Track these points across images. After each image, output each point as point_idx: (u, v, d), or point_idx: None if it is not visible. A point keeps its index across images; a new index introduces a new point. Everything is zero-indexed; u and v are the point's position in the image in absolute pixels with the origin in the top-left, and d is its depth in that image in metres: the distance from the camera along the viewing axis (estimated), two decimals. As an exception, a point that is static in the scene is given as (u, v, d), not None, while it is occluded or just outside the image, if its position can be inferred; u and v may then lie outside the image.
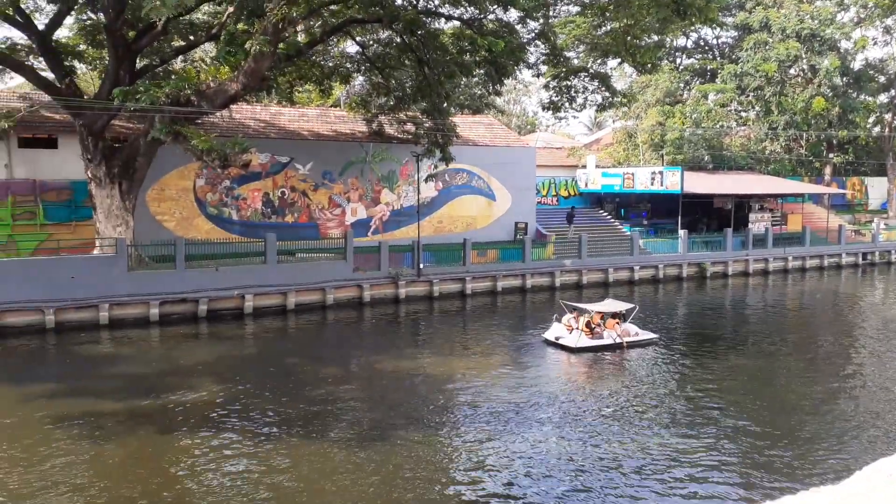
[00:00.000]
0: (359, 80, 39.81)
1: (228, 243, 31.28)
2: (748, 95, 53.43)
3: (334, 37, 32.15)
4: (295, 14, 24.31)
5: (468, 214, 39.85)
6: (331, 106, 43.92)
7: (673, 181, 41.17)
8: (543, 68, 34.42)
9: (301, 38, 30.60)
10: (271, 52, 25.00)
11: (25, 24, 26.73)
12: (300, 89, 40.92)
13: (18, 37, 29.31)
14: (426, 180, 35.82)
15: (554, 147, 55.25)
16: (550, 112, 35.78)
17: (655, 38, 34.38)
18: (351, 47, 36.20)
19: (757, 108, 54.06)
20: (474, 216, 39.99)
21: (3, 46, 28.68)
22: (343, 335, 27.25)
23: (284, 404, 17.52)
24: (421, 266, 32.79)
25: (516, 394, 18.47)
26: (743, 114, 56.86)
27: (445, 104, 32.77)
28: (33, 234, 30.02)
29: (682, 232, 40.66)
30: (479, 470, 13.71)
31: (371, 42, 33.66)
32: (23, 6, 26.18)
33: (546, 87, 35.38)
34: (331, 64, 35.18)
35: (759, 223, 45.74)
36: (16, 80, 38.56)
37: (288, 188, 35.24)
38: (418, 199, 36.35)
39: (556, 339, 23.59)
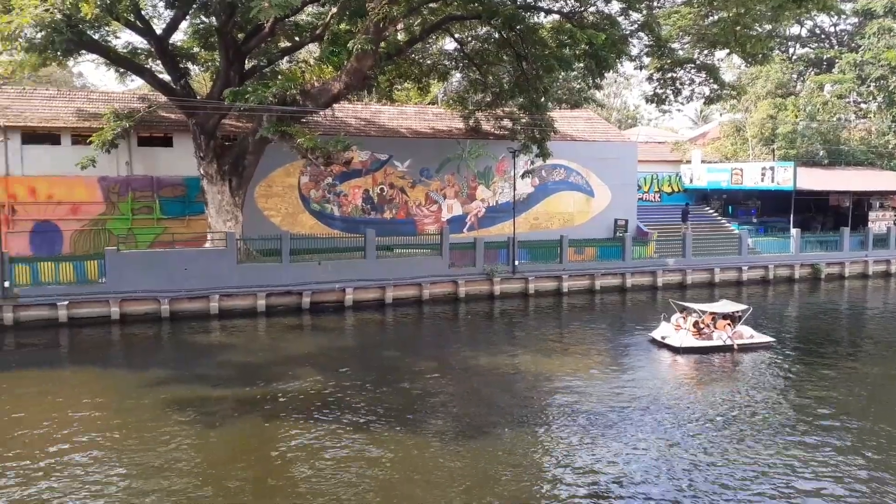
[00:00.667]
0: (456, 76, 39.91)
1: (330, 238, 32.12)
2: (869, 86, 49.83)
3: (433, 34, 32.34)
4: (395, 13, 24.59)
5: (565, 211, 39.22)
6: (428, 103, 44.30)
7: (785, 177, 38.98)
8: (646, 60, 33.31)
9: (401, 36, 30.98)
10: (373, 51, 25.39)
11: (145, 30, 28.35)
12: (399, 87, 41.47)
13: (139, 41, 31.17)
14: (522, 176, 35.49)
15: (656, 141, 53.52)
16: (654, 105, 34.56)
17: (767, 27, 32.60)
18: (449, 44, 36.35)
19: (879, 99, 50.33)
20: (572, 213, 39.31)
21: (125, 51, 30.55)
22: (439, 330, 27.42)
23: (383, 396, 17.78)
24: (516, 263, 32.54)
25: (617, 395, 17.98)
26: (863, 106, 53.16)
27: (543, 99, 32.27)
28: (150, 228, 31.86)
29: (794, 231, 38.46)
30: (576, 472, 13.41)
31: (469, 38, 33.63)
32: (143, 13, 27.74)
33: (649, 79, 34.24)
34: (429, 61, 35.43)
35: (880, 222, 42.67)
36: (136, 83, 41.08)
37: (387, 185, 35.81)
38: (514, 196, 36.07)
39: (662, 338, 22.85)
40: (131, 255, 27.69)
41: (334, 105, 30.00)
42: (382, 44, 26.49)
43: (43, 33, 22.66)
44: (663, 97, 33.72)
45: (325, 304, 29.11)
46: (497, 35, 30.93)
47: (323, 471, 13.32)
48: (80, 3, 21.43)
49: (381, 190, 35.72)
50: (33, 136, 30.67)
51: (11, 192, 29.94)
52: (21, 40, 23.53)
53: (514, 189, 36.05)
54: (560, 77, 34.77)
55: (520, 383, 19.40)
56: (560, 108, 38.35)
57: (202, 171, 29.27)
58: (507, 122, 36.06)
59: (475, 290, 31.73)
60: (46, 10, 21.34)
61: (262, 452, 14.35)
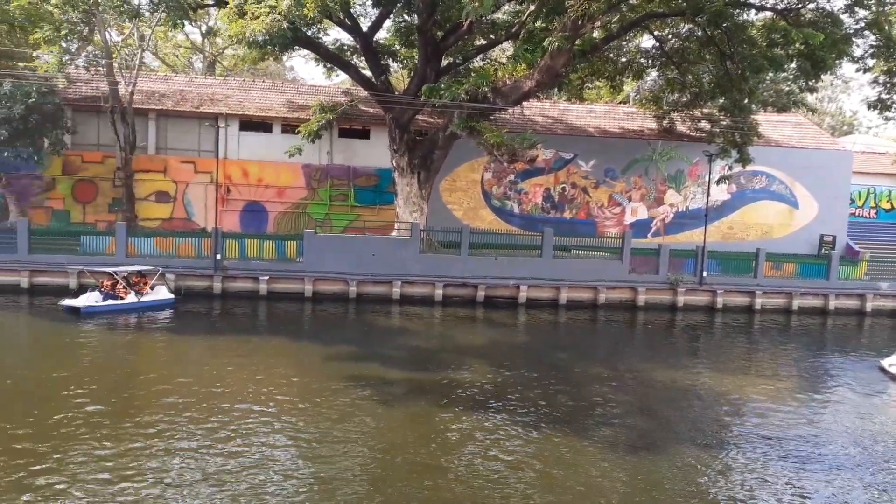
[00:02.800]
0: (652, 75, 38.40)
1: (508, 234, 32.34)
2: None
3: (631, 31, 31.34)
4: (595, 10, 24.09)
5: (764, 222, 36.39)
6: (620, 102, 43.07)
7: None
8: (871, 62, 29.92)
9: (597, 34, 30.32)
10: (568, 48, 25.11)
11: (353, 27, 30.20)
12: (590, 85, 40.71)
13: (346, 39, 33.27)
14: (718, 182, 33.38)
15: (876, 152, 47.94)
16: (876, 111, 31.05)
17: None
18: (647, 42, 35.05)
19: None
20: (771, 224, 36.39)
21: (333, 48, 32.75)
22: (614, 337, 26.61)
23: (551, 397, 17.56)
24: (704, 274, 30.71)
25: (812, 425, 16.36)
26: None
27: (747, 101, 30.15)
28: (345, 215, 34.01)
29: None
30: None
31: (669, 36, 32.17)
32: (352, 11, 29.55)
33: (874, 82, 30.77)
34: (624, 59, 34.39)
35: None
36: (339, 78, 43.94)
37: (569, 184, 35.36)
38: (707, 202, 34.03)
39: (890, 366, 20.63)
40: (327, 238, 29.70)
41: (523, 103, 30.07)
42: (578, 41, 26.09)
43: (267, 35, 24.93)
44: (888, 103, 30.21)
45: (499, 298, 29.35)
46: (701, 32, 29.35)
47: (482, 462, 13.39)
48: (304, 3, 23.33)
49: (563, 189, 35.33)
50: (249, 124, 33.89)
51: (227, 174, 33.32)
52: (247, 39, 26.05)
53: (708, 195, 34.02)
54: (768, 78, 32.35)
55: (697, 401, 18.27)
56: (765, 111, 35.74)
57: (394, 164, 30.68)
58: (704, 124, 34.16)
59: (656, 299, 30.40)
60: (275, 19, 23.48)
61: (429, 437, 14.72)
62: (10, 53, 30.66)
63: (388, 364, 19.72)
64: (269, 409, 15.53)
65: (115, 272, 25.16)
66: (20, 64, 30.93)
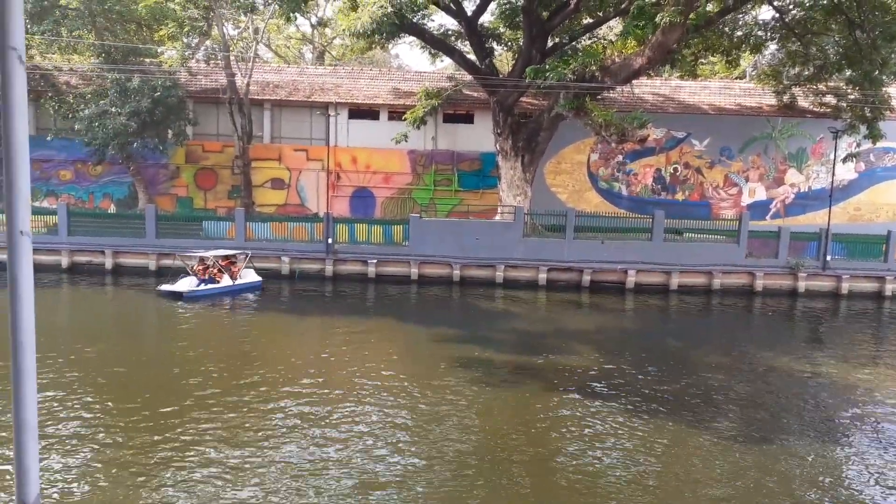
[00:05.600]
0: (771, 48, 36.23)
1: (616, 217, 31.55)
2: None
3: (748, 3, 29.66)
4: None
5: (895, 202, 33.72)
6: (735, 78, 40.94)
7: None
8: None
9: (711, 7, 28.89)
10: (681, 23, 24.10)
11: (457, 12, 30.22)
12: (704, 61, 38.91)
13: (450, 23, 33.37)
14: (844, 160, 31.19)
15: None
16: None
17: None
18: (765, 13, 33.10)
19: None
20: (904, 205, 33.70)
21: (438, 33, 32.93)
22: (729, 324, 25.53)
23: (660, 384, 17.07)
24: (828, 258, 28.85)
25: (950, 424, 15.08)
26: None
27: (878, 73, 27.90)
28: (449, 199, 34.31)
29: None
30: (893, 504, 11.52)
31: (790, 5, 30.21)
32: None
33: None
34: (740, 33, 32.61)
35: None
36: (443, 63, 44.16)
37: (681, 164, 34.07)
38: (832, 182, 31.87)
39: None
40: (431, 222, 30.07)
41: (632, 81, 29.17)
42: (691, 15, 24.98)
43: (375, 25, 25.36)
44: None
45: (606, 283, 28.75)
46: (825, 1, 27.36)
47: (589, 449, 13.21)
48: None
49: (675, 170, 34.09)
50: (357, 112, 34.71)
51: (338, 161, 34.31)
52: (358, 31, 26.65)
53: (833, 174, 31.85)
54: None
55: (821, 393, 17.25)
56: (899, 83, 32.94)
57: (498, 147, 30.58)
58: (829, 99, 31.91)
59: (775, 284, 28.85)
60: (382, 7, 23.92)
61: (533, 420, 14.68)
62: (138, 50, 32.78)
63: (493, 347, 19.78)
64: (378, 382, 15.96)
65: (205, 256, 25.73)
66: (146, 60, 33.00)
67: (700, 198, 34.10)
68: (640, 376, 17.65)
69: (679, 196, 34.12)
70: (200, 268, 25.94)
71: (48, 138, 32.92)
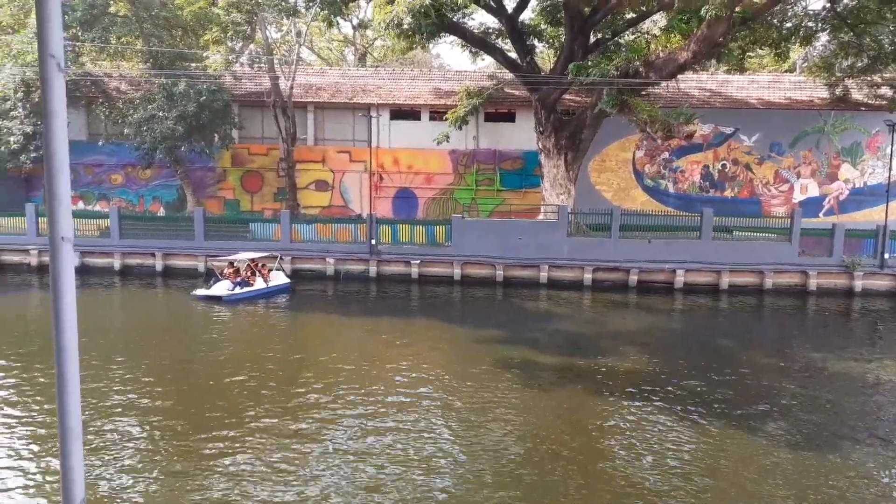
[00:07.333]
0: (822, 40, 35.10)
1: (662, 216, 30.93)
2: None
3: (798, -8, 28.84)
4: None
5: (959, 198, 32.31)
6: (785, 71, 39.80)
7: None
8: None
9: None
10: (727, 16, 23.48)
11: (498, 9, 30.01)
12: (752, 54, 37.88)
13: (491, 22, 33.19)
14: (903, 155, 30.03)
15: None
16: None
17: None
18: (815, 3, 32.09)
19: None
20: (968, 200, 32.25)
21: (479, 32, 32.77)
22: (782, 324, 24.78)
23: (712, 387, 16.60)
24: (886, 256, 27.78)
25: None
26: None
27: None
28: (491, 199, 34.12)
29: None
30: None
31: (843, -6, 29.21)
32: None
33: None
34: (790, 24, 31.63)
35: None
36: (484, 62, 43.96)
37: (730, 161, 33.24)
38: (889, 177, 30.67)
39: None
40: (474, 222, 29.93)
41: (678, 76, 28.54)
42: (738, 8, 24.33)
43: (412, 18, 25.29)
44: None
45: (653, 283, 28.20)
46: (882, -13, 26.36)
47: (636, 455, 12.89)
48: None
49: (723, 166, 33.28)
50: (398, 113, 34.78)
51: (380, 162, 34.42)
52: (396, 28, 26.65)
53: (891, 169, 30.66)
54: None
55: (880, 396, 16.58)
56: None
57: (540, 146, 30.27)
58: (885, 91, 30.77)
59: (829, 283, 27.92)
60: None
61: (579, 423, 14.41)
62: (184, 55, 33.41)
63: (537, 348, 19.54)
64: (424, 383, 15.89)
65: (234, 259, 25.87)
66: (192, 64, 33.60)
67: (750, 195, 33.23)
68: (688, 378, 17.20)
69: (728, 193, 33.31)
70: (231, 271, 25.94)
71: (100, 143, 33.81)
